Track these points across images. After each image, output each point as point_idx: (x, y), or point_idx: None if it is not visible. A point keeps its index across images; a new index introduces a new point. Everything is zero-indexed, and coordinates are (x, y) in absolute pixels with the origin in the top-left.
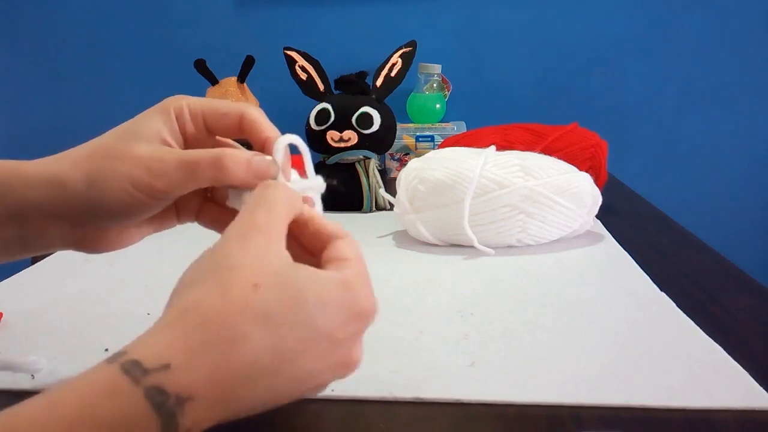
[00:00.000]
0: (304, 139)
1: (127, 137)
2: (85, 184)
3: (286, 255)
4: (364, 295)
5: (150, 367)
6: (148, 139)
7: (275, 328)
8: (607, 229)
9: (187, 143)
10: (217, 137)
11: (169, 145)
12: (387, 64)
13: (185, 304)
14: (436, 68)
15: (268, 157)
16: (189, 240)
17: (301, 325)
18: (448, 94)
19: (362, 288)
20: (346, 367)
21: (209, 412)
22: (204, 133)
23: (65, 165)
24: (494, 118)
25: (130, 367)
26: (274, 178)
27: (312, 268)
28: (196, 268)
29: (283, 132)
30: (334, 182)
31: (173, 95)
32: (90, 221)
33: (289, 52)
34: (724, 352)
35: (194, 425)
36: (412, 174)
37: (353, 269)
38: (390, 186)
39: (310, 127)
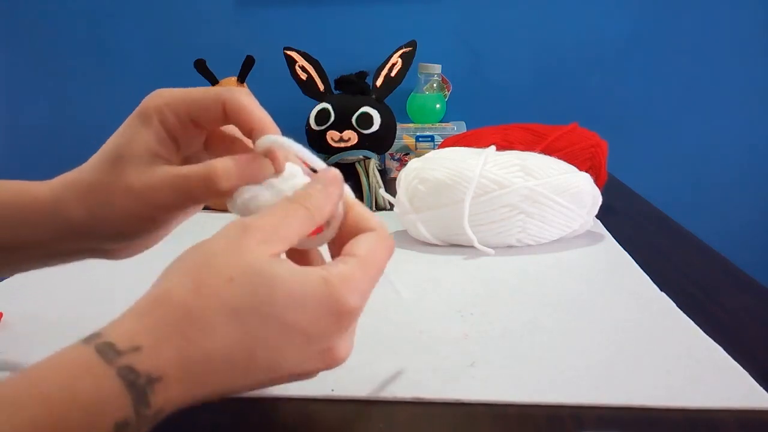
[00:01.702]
0: (302, 139)
1: (119, 163)
2: (88, 216)
3: (270, 253)
4: (344, 293)
5: (122, 349)
6: (139, 161)
7: (244, 322)
8: (607, 229)
9: (180, 143)
10: (222, 128)
11: (162, 157)
12: (387, 64)
13: (159, 293)
14: (436, 68)
15: (261, 155)
16: (191, 239)
17: (272, 320)
18: (448, 94)
19: (343, 285)
20: (326, 362)
21: (180, 392)
22: (193, 129)
23: (69, 195)
24: (494, 118)
25: (104, 348)
26: (276, 174)
27: (293, 266)
28: (178, 259)
29: (284, 133)
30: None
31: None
32: (99, 242)
33: (289, 52)
34: (724, 352)
35: (166, 403)
36: (412, 174)
37: (344, 266)
38: (390, 186)
39: (310, 127)
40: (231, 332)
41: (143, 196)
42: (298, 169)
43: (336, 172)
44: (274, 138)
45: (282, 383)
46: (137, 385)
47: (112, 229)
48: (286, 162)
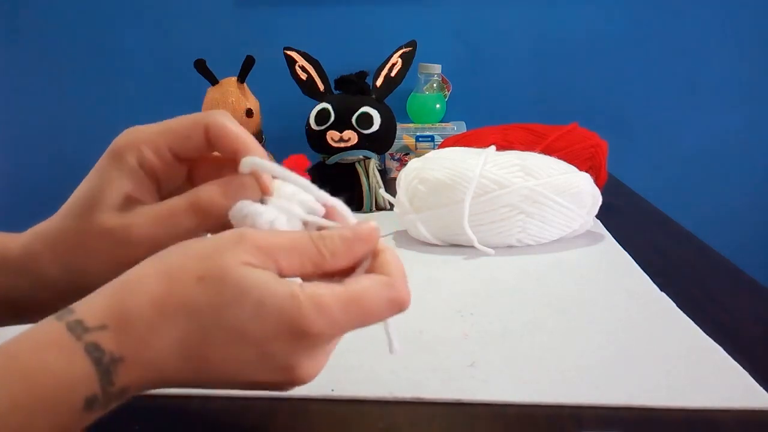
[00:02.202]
0: (302, 139)
1: (91, 209)
2: (62, 269)
3: (248, 260)
4: (309, 315)
5: (90, 327)
6: (113, 206)
7: (201, 322)
8: (607, 229)
9: (161, 182)
10: (213, 155)
11: (140, 200)
12: (387, 64)
13: (133, 278)
14: (436, 68)
15: (244, 175)
16: None
17: (229, 326)
18: (448, 94)
19: (312, 307)
20: (287, 379)
21: (140, 376)
22: (176, 163)
23: (39, 247)
24: (494, 118)
25: (74, 325)
26: (262, 195)
27: (268, 275)
28: (167, 250)
29: (283, 133)
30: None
31: (126, 131)
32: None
33: (289, 52)
34: (724, 352)
35: (130, 384)
36: (412, 174)
37: (323, 290)
38: (390, 186)
39: (310, 127)
40: (186, 329)
41: (122, 238)
42: (289, 187)
43: (374, 229)
44: (255, 159)
45: (246, 389)
46: (102, 362)
47: (90, 280)
48: (274, 182)
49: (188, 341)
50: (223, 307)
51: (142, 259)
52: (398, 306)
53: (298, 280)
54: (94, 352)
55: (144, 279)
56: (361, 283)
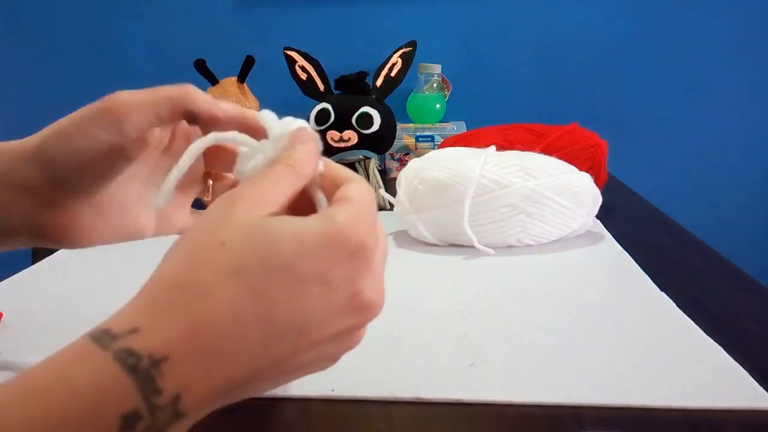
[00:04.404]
0: None
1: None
2: (43, 142)
3: (260, 214)
4: (355, 230)
5: (118, 333)
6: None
7: (248, 279)
8: (607, 229)
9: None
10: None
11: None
12: (387, 64)
13: (153, 276)
14: (436, 68)
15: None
16: None
17: (279, 271)
18: (448, 94)
19: (349, 222)
20: (358, 309)
21: (195, 372)
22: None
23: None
24: (494, 118)
25: (99, 335)
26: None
27: (291, 218)
28: (171, 245)
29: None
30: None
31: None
32: (57, 192)
33: (289, 52)
34: (724, 352)
35: (184, 390)
36: (412, 174)
37: (343, 207)
38: (390, 186)
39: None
40: (234, 292)
41: (109, 105)
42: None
43: (310, 129)
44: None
45: (316, 353)
46: (140, 368)
47: (71, 148)
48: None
49: (241, 304)
50: (265, 259)
51: (124, 135)
52: (373, 194)
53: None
54: (128, 358)
55: (164, 269)
56: (352, 189)
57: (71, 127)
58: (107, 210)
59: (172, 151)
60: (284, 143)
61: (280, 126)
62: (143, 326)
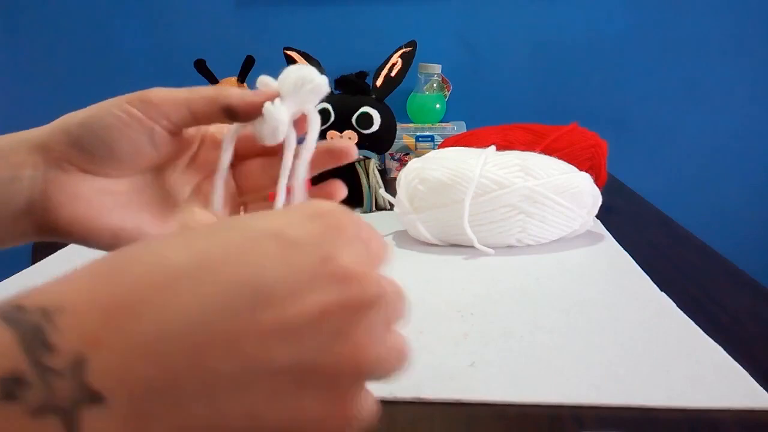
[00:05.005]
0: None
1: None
2: (71, 115)
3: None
4: (317, 203)
5: (19, 298)
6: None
7: (195, 234)
8: (607, 229)
9: (176, 145)
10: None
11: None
12: (387, 64)
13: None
14: (436, 68)
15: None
16: None
17: (224, 231)
18: (448, 94)
19: (314, 201)
20: (334, 279)
21: (106, 328)
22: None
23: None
24: (494, 118)
25: (4, 306)
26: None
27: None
28: None
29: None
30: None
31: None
32: (73, 153)
33: (289, 52)
34: (724, 352)
35: (90, 347)
36: (412, 174)
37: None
38: (390, 186)
39: None
40: (173, 242)
41: (142, 97)
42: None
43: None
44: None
45: (296, 334)
46: (25, 320)
47: (99, 132)
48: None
49: (178, 249)
50: (212, 227)
51: (154, 126)
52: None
53: None
54: (11, 312)
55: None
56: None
57: (104, 103)
58: (114, 200)
59: (197, 164)
60: (300, 86)
61: (288, 77)
62: (43, 287)
